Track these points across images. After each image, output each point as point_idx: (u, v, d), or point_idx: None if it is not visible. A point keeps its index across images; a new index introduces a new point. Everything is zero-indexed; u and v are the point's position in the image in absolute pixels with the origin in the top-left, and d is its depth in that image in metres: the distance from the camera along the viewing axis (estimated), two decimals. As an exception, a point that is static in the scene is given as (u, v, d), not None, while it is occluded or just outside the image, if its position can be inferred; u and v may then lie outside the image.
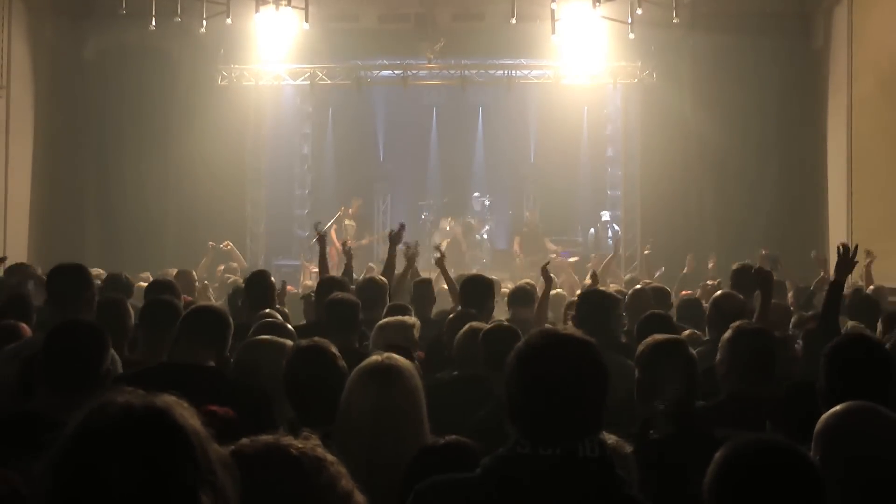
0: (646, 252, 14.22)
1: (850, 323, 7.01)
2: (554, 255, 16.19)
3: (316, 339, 3.93)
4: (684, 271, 13.22)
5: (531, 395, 2.38)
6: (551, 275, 7.86)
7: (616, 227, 17.65)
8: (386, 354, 3.37)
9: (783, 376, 4.75)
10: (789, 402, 3.93)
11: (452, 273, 9.56)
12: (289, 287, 9.76)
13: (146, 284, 8.29)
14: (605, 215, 18.08)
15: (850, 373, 3.41)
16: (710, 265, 13.67)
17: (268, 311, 6.19)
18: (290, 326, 5.56)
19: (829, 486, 2.50)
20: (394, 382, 3.22)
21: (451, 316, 6.22)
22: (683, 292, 10.65)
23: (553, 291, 8.14)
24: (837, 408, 2.78)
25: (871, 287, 9.88)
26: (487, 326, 5.07)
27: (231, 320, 4.56)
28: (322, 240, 8.91)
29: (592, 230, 18.14)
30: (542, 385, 2.38)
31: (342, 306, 5.74)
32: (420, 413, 3.23)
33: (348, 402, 3.25)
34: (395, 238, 8.46)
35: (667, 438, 3.58)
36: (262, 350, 4.58)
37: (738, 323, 4.66)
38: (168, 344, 4.85)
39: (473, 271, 10.87)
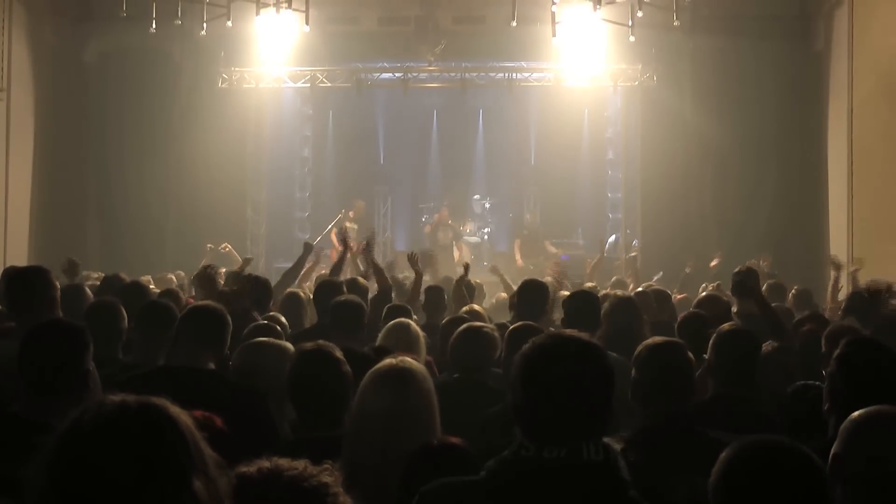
0: (633, 254, 14.31)
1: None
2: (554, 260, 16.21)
3: (320, 342, 3.90)
4: (687, 272, 13.19)
5: (536, 398, 2.38)
6: (549, 278, 7.91)
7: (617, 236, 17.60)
8: (400, 357, 3.37)
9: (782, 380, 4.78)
10: (791, 403, 3.94)
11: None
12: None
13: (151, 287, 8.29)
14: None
15: (860, 376, 3.42)
16: (713, 263, 13.68)
17: (272, 314, 6.19)
18: (278, 328, 5.52)
19: (845, 483, 2.51)
20: (408, 385, 3.22)
21: (444, 321, 6.22)
22: (681, 295, 10.65)
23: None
24: (864, 409, 2.77)
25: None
26: (513, 326, 5.09)
27: (230, 319, 4.52)
28: (345, 245, 8.92)
29: (614, 237, 17.92)
30: (546, 387, 2.38)
31: (347, 308, 5.74)
32: (433, 416, 3.23)
33: (361, 405, 3.24)
34: (368, 250, 8.59)
35: (660, 439, 3.59)
36: (263, 352, 4.56)
37: (724, 326, 4.73)
38: (163, 346, 4.84)
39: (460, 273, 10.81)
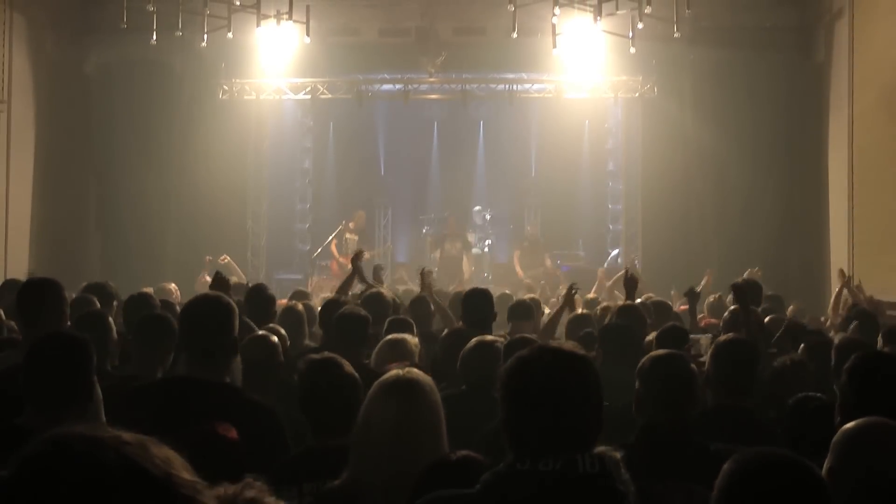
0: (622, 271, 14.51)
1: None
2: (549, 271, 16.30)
3: (327, 353, 3.95)
4: (699, 288, 13.13)
5: (524, 412, 2.37)
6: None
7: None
8: (406, 369, 3.37)
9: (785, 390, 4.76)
10: (794, 416, 3.92)
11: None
12: (281, 301, 9.71)
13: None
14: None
15: (873, 389, 3.41)
16: (704, 281, 13.63)
17: (272, 325, 6.15)
18: (275, 338, 5.46)
19: (842, 498, 2.49)
20: (415, 397, 3.21)
21: (444, 333, 6.20)
22: (682, 307, 10.63)
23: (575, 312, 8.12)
24: (856, 421, 2.77)
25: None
26: (509, 339, 5.07)
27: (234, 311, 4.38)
28: (357, 262, 8.81)
29: (616, 251, 17.87)
30: (533, 401, 2.37)
31: (350, 321, 5.72)
32: (440, 427, 3.22)
33: (368, 416, 3.24)
34: (376, 274, 8.57)
35: (661, 451, 3.57)
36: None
37: (722, 336, 4.73)
38: (162, 358, 4.81)
39: (472, 285, 10.84)
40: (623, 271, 7.93)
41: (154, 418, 3.45)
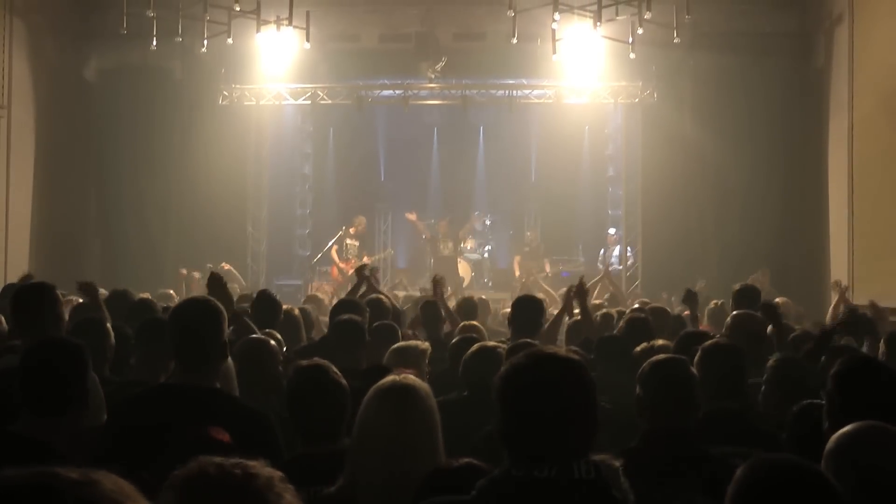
0: (612, 268, 14.64)
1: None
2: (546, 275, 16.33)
3: (315, 358, 3.90)
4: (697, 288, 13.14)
5: (521, 417, 2.37)
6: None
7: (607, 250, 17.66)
8: (403, 375, 3.36)
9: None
10: (797, 421, 3.92)
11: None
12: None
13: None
14: (612, 230, 18.01)
15: (859, 394, 3.40)
16: (699, 286, 13.64)
17: (268, 331, 6.13)
18: (272, 342, 5.45)
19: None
20: (410, 403, 3.20)
21: (453, 341, 6.20)
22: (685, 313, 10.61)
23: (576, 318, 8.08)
24: (848, 427, 2.76)
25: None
26: (513, 344, 5.07)
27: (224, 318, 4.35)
28: (362, 272, 8.75)
29: (602, 251, 17.88)
30: (528, 409, 2.36)
31: (348, 327, 5.73)
32: (436, 434, 3.21)
33: (364, 422, 3.23)
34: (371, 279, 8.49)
35: (660, 456, 3.56)
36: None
37: (707, 342, 4.72)
38: (164, 363, 4.80)
39: (469, 292, 10.81)
40: (576, 282, 7.73)
41: (148, 425, 3.46)
